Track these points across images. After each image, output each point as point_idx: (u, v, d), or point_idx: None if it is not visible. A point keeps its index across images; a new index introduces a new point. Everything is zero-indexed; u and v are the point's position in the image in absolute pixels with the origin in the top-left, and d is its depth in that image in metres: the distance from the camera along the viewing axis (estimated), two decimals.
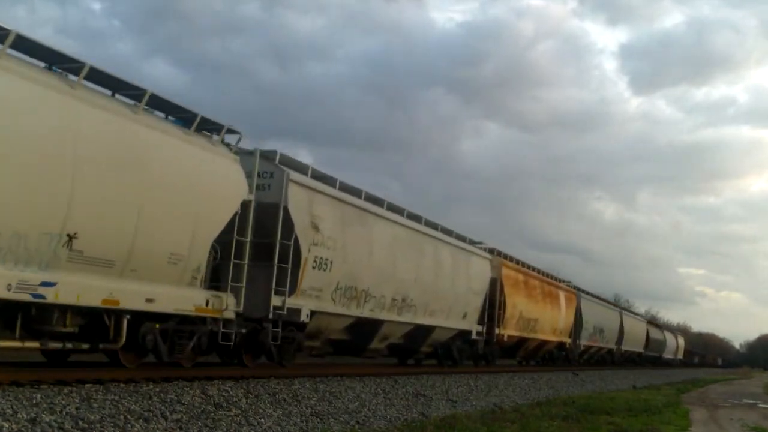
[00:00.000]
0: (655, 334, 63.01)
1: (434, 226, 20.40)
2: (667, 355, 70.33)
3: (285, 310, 13.24)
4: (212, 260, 11.93)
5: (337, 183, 15.77)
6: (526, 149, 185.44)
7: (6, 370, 9.54)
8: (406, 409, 12.72)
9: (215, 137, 12.26)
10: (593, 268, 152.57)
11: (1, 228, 8.35)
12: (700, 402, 21.92)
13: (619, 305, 51.31)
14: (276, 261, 13.12)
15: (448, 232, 21.41)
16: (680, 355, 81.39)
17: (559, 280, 35.45)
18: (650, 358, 61.23)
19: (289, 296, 13.35)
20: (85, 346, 10.06)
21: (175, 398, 9.53)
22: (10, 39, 8.73)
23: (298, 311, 13.80)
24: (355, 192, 16.52)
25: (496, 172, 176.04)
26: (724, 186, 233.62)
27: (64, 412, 7.77)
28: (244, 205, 12.41)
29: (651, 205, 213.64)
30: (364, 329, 16.98)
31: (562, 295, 33.63)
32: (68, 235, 9.05)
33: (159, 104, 11.16)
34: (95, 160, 9.45)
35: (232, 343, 12.32)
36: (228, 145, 12.53)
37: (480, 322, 23.57)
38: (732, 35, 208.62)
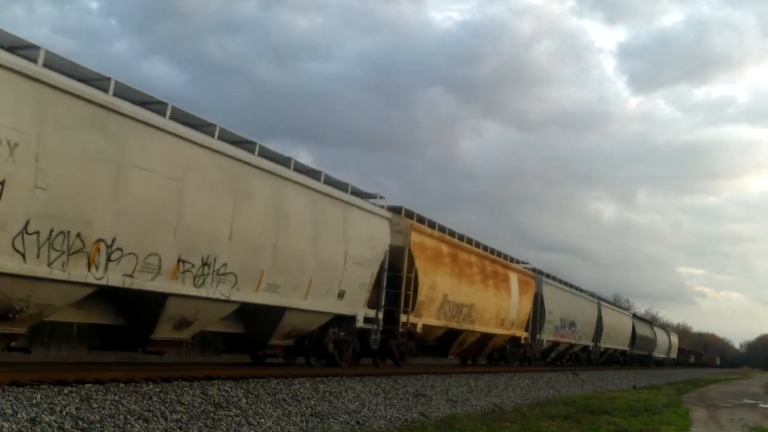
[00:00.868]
0: (643, 330, 57.79)
1: (283, 161, 13.74)
2: (659, 354, 65.57)
3: None
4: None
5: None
6: (525, 148, 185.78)
7: (6, 370, 9.54)
8: (406, 409, 12.72)
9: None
10: (593, 268, 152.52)
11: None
12: (700, 402, 21.91)
13: (597, 296, 42.96)
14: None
15: (312, 173, 14.68)
16: (673, 355, 77.52)
17: (514, 261, 28.58)
18: (637, 358, 56.20)
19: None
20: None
21: (175, 398, 9.53)
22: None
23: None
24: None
25: (495, 171, 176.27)
26: (723, 185, 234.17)
27: (64, 412, 7.77)
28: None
29: (650, 204, 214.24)
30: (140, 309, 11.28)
31: (514, 277, 26.87)
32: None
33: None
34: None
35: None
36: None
37: (372, 305, 17.14)
38: (731, 34, 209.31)
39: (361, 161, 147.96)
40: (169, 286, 10.99)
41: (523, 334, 28.27)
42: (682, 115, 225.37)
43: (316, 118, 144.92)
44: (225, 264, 11.93)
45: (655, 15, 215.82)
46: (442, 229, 21.34)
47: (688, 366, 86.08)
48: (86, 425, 7.60)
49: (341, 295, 15.62)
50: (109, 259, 9.90)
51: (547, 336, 31.35)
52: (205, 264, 11.55)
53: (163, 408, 8.95)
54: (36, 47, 9.09)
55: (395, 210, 18.62)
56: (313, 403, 11.36)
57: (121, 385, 9.72)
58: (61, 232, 9.11)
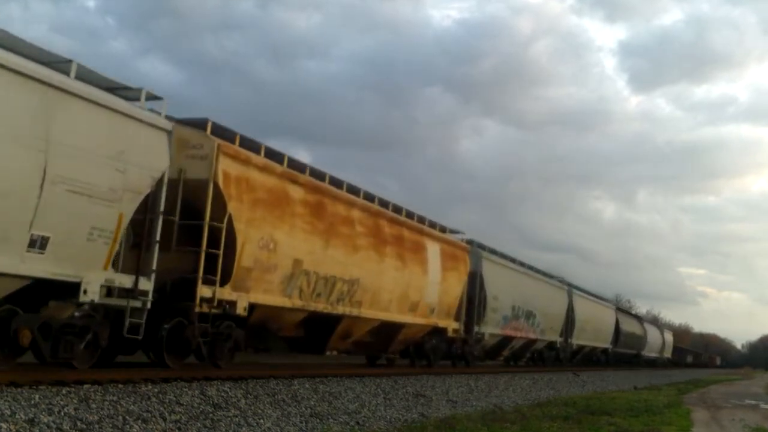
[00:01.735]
0: (630, 325, 51.87)
1: None
2: (649, 352, 60.10)
3: None
4: None
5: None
6: (525, 148, 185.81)
7: (4, 370, 9.52)
8: (405, 409, 12.69)
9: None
10: (593, 268, 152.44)
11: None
12: (701, 402, 21.87)
13: (568, 282, 36.12)
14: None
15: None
16: (668, 354, 72.32)
17: (438, 228, 21.35)
18: (623, 357, 50.26)
19: None
20: None
21: (174, 399, 9.51)
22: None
23: None
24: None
25: (495, 171, 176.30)
26: (724, 185, 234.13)
27: (62, 413, 7.75)
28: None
29: (651, 204, 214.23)
30: None
31: (433, 248, 19.97)
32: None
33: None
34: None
35: None
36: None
37: (127, 269, 10.50)
38: (732, 33, 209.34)
39: (360, 161, 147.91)
40: None
41: (450, 325, 21.54)
42: (682, 114, 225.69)
43: (316, 118, 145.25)
44: None
45: (655, 13, 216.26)
46: (297, 166, 14.51)
47: (685, 366, 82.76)
48: (85, 426, 7.58)
49: (36, 244, 9.11)
50: None
51: (490, 329, 24.66)
52: None
53: (161, 408, 8.93)
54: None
55: (193, 124, 12.57)
56: (312, 403, 11.34)
57: (120, 385, 9.70)
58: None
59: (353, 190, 16.77)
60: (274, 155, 13.98)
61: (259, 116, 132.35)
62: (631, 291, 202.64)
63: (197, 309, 11.98)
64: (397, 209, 18.91)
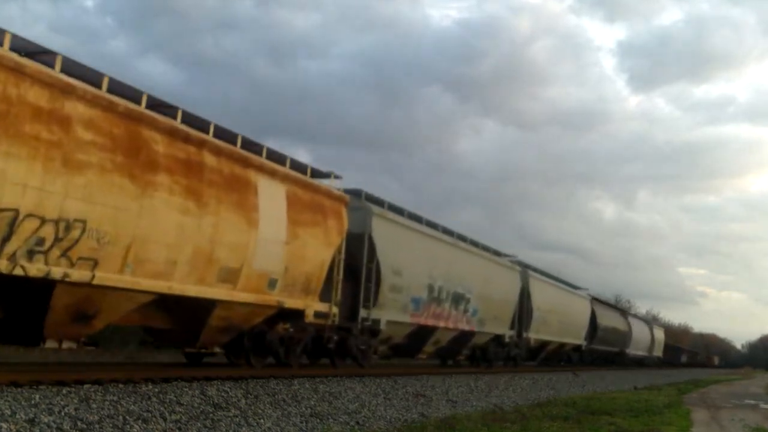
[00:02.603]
0: (609, 319, 44.92)
1: None
2: (635, 351, 53.98)
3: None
4: None
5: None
6: (525, 148, 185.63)
7: (5, 370, 9.53)
8: (405, 409, 12.70)
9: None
10: (594, 268, 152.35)
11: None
12: (701, 402, 21.86)
13: (521, 262, 29.95)
14: None
15: None
16: (658, 352, 66.29)
17: (305, 171, 15.25)
18: (602, 355, 44.67)
19: None
20: None
21: (174, 399, 9.52)
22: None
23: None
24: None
25: (494, 170, 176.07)
26: (724, 185, 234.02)
27: (62, 413, 7.76)
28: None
29: (651, 204, 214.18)
30: None
31: (270, 190, 13.42)
32: None
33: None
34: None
35: None
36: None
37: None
38: (731, 32, 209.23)
39: (360, 161, 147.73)
40: None
41: (310, 306, 14.91)
42: (682, 114, 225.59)
43: (315, 117, 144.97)
44: None
45: (654, 13, 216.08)
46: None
47: (680, 366, 77.79)
48: (85, 426, 7.58)
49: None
50: None
51: (391, 314, 18.27)
52: None
53: (162, 408, 8.93)
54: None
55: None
56: (312, 403, 11.35)
57: (120, 385, 9.71)
58: None
59: (94, 80, 10.34)
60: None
61: (258, 115, 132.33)
62: (631, 291, 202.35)
63: None
64: (201, 122, 12.24)
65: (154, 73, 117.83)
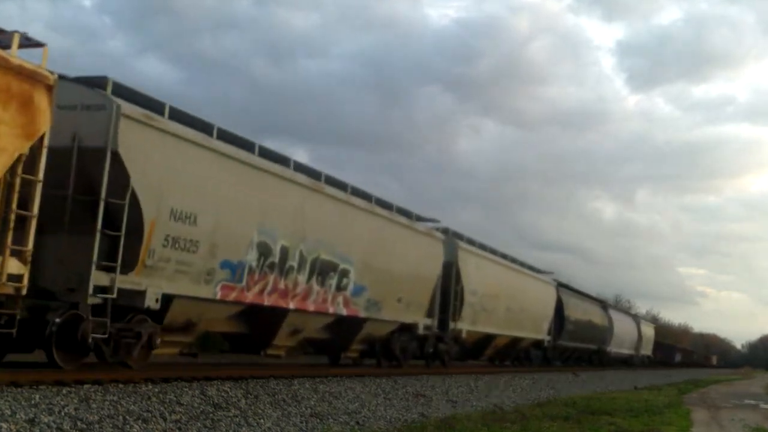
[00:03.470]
0: (582, 311, 37.62)
1: None
2: (618, 348, 47.43)
3: None
4: None
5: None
6: (524, 147, 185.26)
7: (5, 370, 9.54)
8: (405, 409, 12.70)
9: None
10: (593, 268, 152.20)
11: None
12: (701, 402, 21.87)
13: (447, 230, 22.73)
14: None
15: None
16: (647, 351, 59.83)
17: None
18: (574, 353, 38.38)
19: None
20: None
21: (174, 399, 9.52)
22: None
23: None
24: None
25: (494, 170, 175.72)
26: (724, 185, 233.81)
27: (62, 413, 7.76)
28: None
29: (650, 204, 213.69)
30: None
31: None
32: None
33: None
34: None
35: None
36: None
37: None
38: (730, 31, 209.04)
39: (360, 160, 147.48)
40: None
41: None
42: (681, 113, 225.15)
43: (315, 117, 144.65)
44: None
45: (653, 12, 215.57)
46: None
47: (673, 366, 72.22)
48: (85, 426, 7.59)
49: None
50: None
51: (159, 283, 11.27)
52: None
53: (162, 408, 8.93)
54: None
55: None
56: (312, 403, 11.35)
57: (120, 385, 9.71)
58: None
59: None
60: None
61: (257, 115, 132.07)
62: (631, 291, 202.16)
63: None
64: None
65: (152, 73, 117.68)
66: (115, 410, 8.37)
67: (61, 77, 10.07)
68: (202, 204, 11.96)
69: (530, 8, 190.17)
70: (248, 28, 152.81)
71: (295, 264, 14.50)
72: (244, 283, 13.18)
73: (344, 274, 16.25)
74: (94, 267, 10.25)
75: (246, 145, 13.46)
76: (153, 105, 11.56)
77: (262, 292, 13.71)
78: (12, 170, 9.06)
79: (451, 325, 22.00)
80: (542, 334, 31.79)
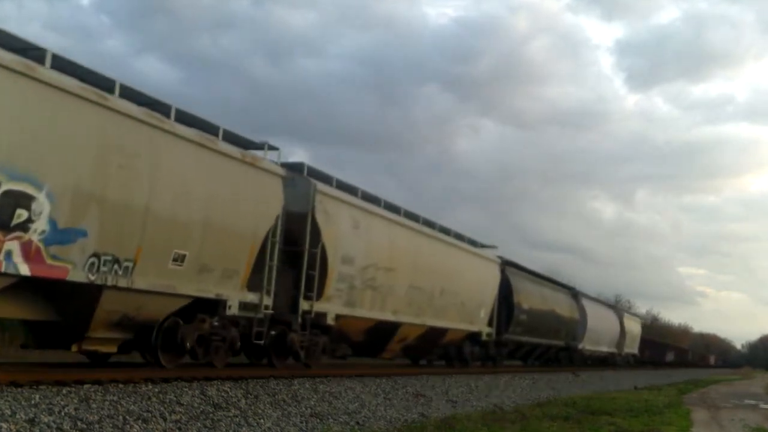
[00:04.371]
0: (542, 300, 30.62)
1: None
2: (594, 346, 40.21)
3: None
4: None
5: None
6: (523, 147, 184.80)
7: (5, 370, 9.54)
8: (406, 409, 12.71)
9: None
10: (593, 268, 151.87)
11: None
12: (701, 402, 21.88)
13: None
14: None
15: None
16: (631, 349, 52.81)
17: None
18: (533, 350, 31.07)
19: None
20: None
21: (174, 399, 9.52)
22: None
23: None
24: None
25: (493, 170, 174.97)
26: (723, 184, 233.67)
27: (62, 413, 7.76)
28: None
29: (650, 203, 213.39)
30: None
31: None
32: None
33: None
34: None
35: None
36: None
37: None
38: (729, 30, 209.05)
39: (359, 160, 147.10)
40: None
41: None
42: (680, 113, 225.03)
43: (314, 117, 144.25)
44: None
45: (652, 11, 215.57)
46: None
47: (664, 366, 65.20)
48: (85, 426, 7.59)
49: None
50: None
51: None
52: None
53: (162, 408, 8.93)
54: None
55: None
56: (312, 403, 11.36)
57: (120, 385, 9.71)
58: None
59: None
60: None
61: (256, 115, 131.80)
62: (631, 291, 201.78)
63: None
64: None
65: (151, 73, 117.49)
66: (115, 410, 8.37)
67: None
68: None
69: (529, 7, 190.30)
70: (246, 28, 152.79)
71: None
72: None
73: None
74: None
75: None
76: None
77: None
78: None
79: (304, 305, 14.95)
80: (479, 325, 24.29)
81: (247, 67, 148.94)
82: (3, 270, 8.84)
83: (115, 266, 10.43)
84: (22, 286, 9.46)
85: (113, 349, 11.58)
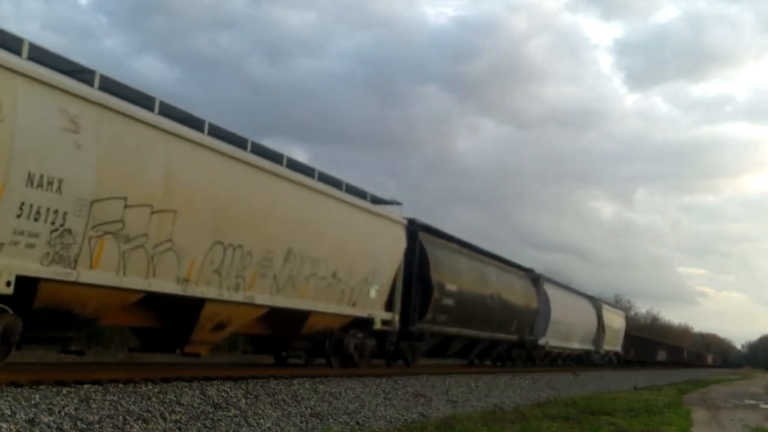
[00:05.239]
0: (482, 282, 23.61)
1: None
2: (562, 342, 33.98)
3: None
4: None
5: None
6: (522, 147, 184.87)
7: (4, 370, 9.54)
8: (406, 409, 12.71)
9: None
10: (593, 268, 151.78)
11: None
12: (701, 402, 21.88)
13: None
14: None
15: None
16: (613, 346, 46.08)
17: None
18: (470, 346, 24.50)
19: None
20: None
21: (174, 399, 9.52)
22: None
23: None
24: None
25: (492, 169, 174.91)
26: (723, 184, 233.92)
27: (62, 413, 7.76)
28: None
29: (649, 203, 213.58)
30: None
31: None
32: None
33: None
34: None
35: None
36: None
37: None
38: (729, 30, 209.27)
39: (358, 160, 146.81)
40: None
41: None
42: (680, 112, 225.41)
43: (312, 116, 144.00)
44: None
45: (651, 11, 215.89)
46: None
47: (654, 366, 59.74)
48: (85, 426, 7.59)
49: None
50: None
51: None
52: None
53: (162, 408, 8.93)
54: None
55: None
56: (312, 403, 11.35)
57: (120, 385, 9.71)
58: None
59: None
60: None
61: (254, 114, 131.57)
62: (631, 291, 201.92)
63: None
64: None
65: (149, 72, 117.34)
66: (115, 410, 8.37)
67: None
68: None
69: (528, 7, 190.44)
70: (244, 27, 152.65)
71: None
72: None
73: None
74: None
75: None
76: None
77: None
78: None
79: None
80: (368, 309, 17.13)
81: (246, 66, 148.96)
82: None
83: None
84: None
85: None
